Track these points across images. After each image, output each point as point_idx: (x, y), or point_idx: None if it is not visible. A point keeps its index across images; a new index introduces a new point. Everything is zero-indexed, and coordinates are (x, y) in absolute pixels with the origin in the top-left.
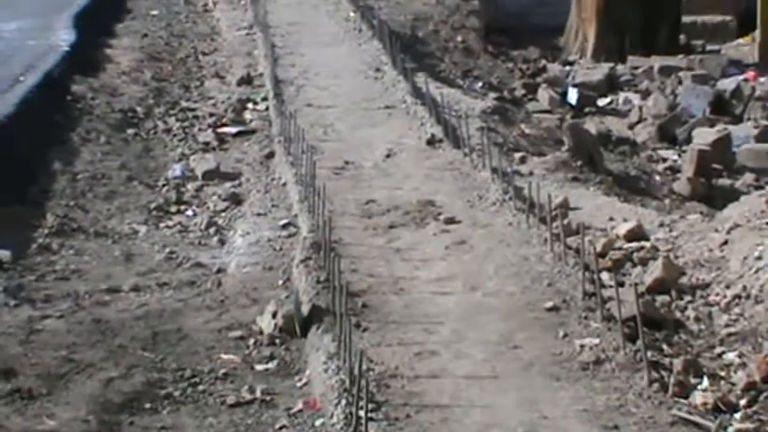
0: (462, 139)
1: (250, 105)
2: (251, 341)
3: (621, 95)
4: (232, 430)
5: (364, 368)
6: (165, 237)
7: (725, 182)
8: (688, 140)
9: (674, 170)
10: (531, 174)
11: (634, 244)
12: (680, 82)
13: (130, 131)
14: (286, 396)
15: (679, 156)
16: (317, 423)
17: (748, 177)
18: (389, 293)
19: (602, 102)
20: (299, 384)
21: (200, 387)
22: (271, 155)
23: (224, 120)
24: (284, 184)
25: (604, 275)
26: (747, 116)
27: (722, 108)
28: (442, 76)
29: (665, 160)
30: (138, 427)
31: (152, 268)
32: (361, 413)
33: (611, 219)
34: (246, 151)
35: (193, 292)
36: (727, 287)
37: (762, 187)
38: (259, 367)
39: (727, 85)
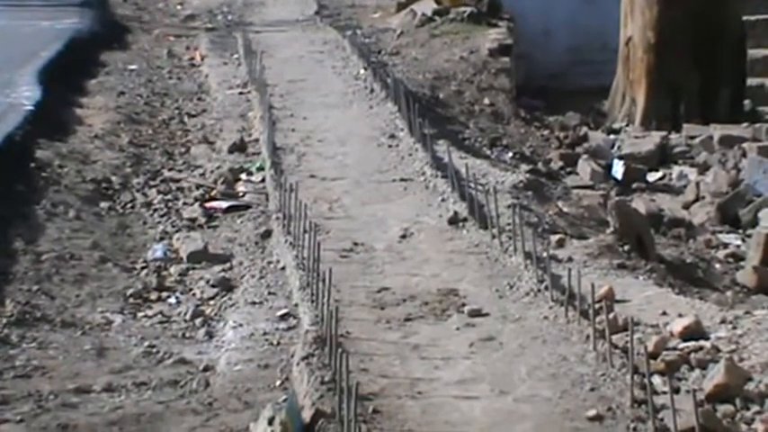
0: (490, 218)
1: (243, 176)
2: None
3: (675, 169)
4: None
5: None
6: (144, 328)
7: None
8: (753, 223)
9: (737, 257)
10: (570, 260)
11: (691, 343)
12: (744, 154)
13: (104, 205)
14: None
15: (743, 241)
16: None
17: None
18: (405, 397)
19: (652, 176)
20: None
21: None
22: (267, 234)
23: (213, 193)
24: (283, 269)
25: (656, 380)
26: None
27: None
28: (467, 144)
29: (726, 246)
30: None
31: (128, 365)
32: None
33: (664, 313)
34: (239, 229)
35: (176, 393)
36: None
37: None
38: None
39: None
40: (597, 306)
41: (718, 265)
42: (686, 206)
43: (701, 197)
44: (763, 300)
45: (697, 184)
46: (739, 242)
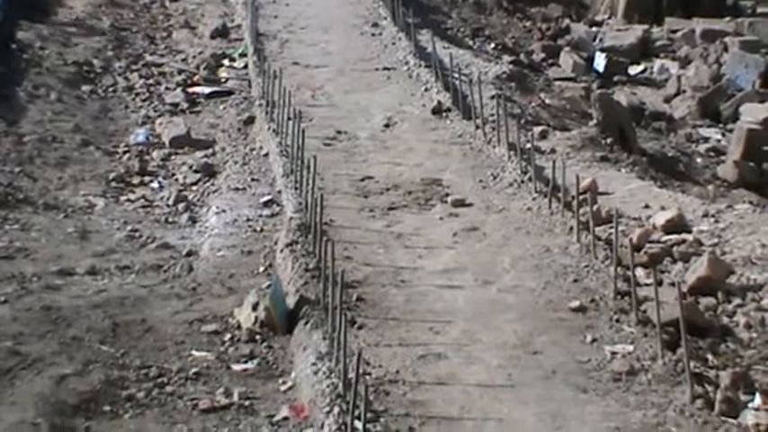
0: (473, 108)
1: (226, 62)
2: (227, 337)
3: (657, 63)
4: None
5: (361, 371)
6: (127, 212)
7: None
8: (734, 117)
9: (718, 152)
10: (553, 151)
11: (674, 236)
12: (725, 49)
13: (86, 88)
14: (268, 401)
15: (723, 135)
16: None
17: None
18: (389, 286)
19: (633, 70)
20: (282, 388)
21: (168, 388)
22: (250, 120)
23: (195, 78)
24: (266, 155)
25: (639, 272)
26: None
27: None
28: (449, 34)
29: (706, 140)
30: None
31: (111, 248)
32: (357, 424)
33: (647, 206)
34: (221, 115)
35: (160, 277)
36: None
37: None
38: (236, 367)
39: None
40: (581, 198)
41: (699, 159)
42: (667, 100)
43: (683, 91)
44: (744, 194)
45: (678, 77)
46: (719, 136)
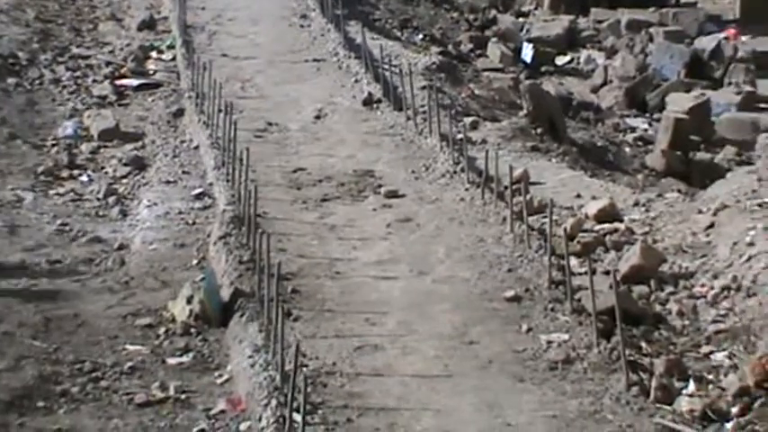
0: (404, 99)
1: (154, 54)
2: (161, 330)
3: (583, 53)
4: None
5: (298, 364)
6: (56, 206)
7: (703, 156)
8: (660, 107)
9: (646, 141)
10: (484, 142)
11: (606, 225)
12: (651, 39)
13: (11, 81)
14: (204, 394)
15: (650, 124)
16: (243, 427)
17: (729, 151)
18: (324, 277)
19: (560, 60)
20: (219, 381)
21: (103, 383)
22: (180, 112)
23: (123, 70)
24: (197, 148)
25: (573, 261)
26: (728, 80)
27: (699, 70)
28: (378, 25)
29: (633, 129)
30: (31, 429)
31: (41, 242)
32: (296, 416)
33: (579, 196)
34: (150, 108)
35: (92, 271)
36: (715, 277)
37: (745, 162)
38: (172, 361)
39: (706, 44)
40: (513, 188)
41: (627, 149)
42: (594, 90)
43: (609, 81)
44: (672, 182)
45: (605, 68)
46: (646, 126)
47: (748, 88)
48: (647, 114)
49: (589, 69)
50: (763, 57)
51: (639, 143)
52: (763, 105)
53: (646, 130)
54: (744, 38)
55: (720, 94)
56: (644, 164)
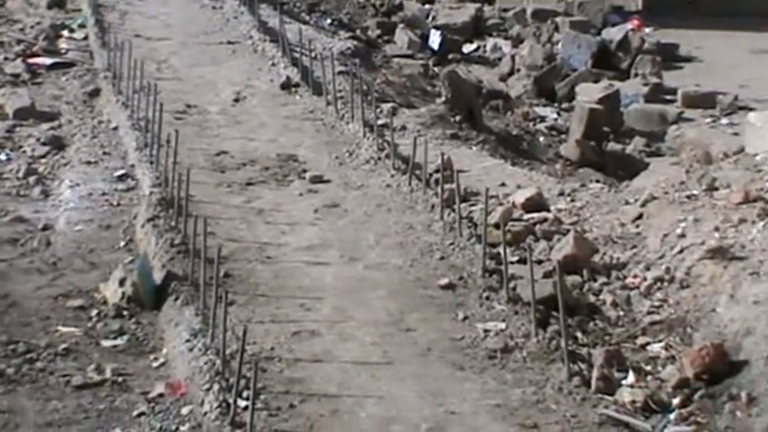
0: (324, 84)
1: (65, 33)
2: (94, 312)
3: (490, 41)
4: (82, 416)
5: (236, 348)
6: None
7: (614, 146)
8: (569, 97)
9: (557, 130)
10: (403, 128)
11: (535, 215)
12: (557, 29)
13: None
14: (141, 377)
15: (559, 114)
16: (184, 411)
17: (639, 142)
18: (255, 261)
19: (467, 48)
20: (155, 364)
21: (38, 364)
22: (95, 92)
23: (35, 48)
24: (115, 129)
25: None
26: (635, 71)
27: (607, 61)
28: (286, 9)
29: (543, 119)
30: None
31: None
32: (241, 402)
33: (503, 184)
34: (65, 87)
35: (17, 251)
36: (647, 268)
37: (655, 153)
38: (106, 343)
39: (613, 35)
40: (440, 175)
41: (542, 138)
42: (503, 78)
43: (517, 70)
44: (590, 173)
45: (512, 56)
46: (555, 115)
47: (655, 80)
48: (556, 104)
49: (496, 58)
50: (668, 48)
51: (553, 132)
52: (669, 97)
53: (555, 119)
54: (647, 29)
55: (628, 86)
56: (558, 153)
